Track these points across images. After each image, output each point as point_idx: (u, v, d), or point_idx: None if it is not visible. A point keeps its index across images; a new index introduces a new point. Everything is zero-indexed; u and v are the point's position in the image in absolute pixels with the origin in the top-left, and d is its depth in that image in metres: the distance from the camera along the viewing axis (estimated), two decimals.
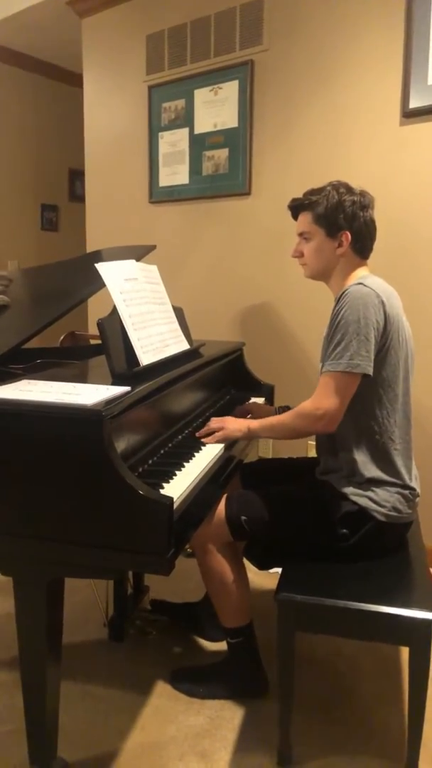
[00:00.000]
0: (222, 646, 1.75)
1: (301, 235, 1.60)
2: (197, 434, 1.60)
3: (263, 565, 1.60)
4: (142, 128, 3.07)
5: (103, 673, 1.74)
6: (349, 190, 1.53)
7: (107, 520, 1.10)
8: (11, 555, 1.22)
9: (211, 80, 2.77)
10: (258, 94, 2.65)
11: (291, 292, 2.64)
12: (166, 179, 3.01)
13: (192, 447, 1.52)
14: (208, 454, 1.49)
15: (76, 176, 4.58)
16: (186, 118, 2.89)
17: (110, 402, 1.15)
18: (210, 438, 1.58)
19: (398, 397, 1.47)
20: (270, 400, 2.29)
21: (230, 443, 1.62)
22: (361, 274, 1.54)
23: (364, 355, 1.37)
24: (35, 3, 3.33)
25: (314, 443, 1.66)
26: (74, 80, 4.25)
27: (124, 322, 1.49)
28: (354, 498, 1.45)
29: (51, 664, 1.26)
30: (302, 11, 2.48)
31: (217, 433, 1.58)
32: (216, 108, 2.78)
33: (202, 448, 1.53)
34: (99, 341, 1.52)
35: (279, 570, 1.47)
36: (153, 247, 2.28)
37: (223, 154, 2.78)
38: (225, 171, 2.78)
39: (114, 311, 1.49)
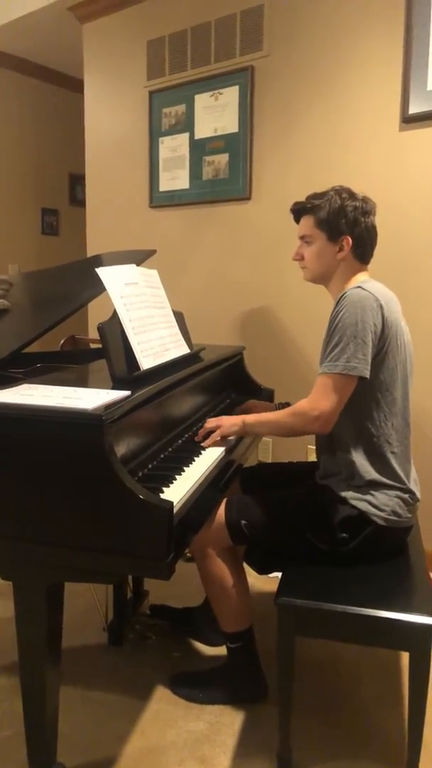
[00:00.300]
0: (222, 650, 1.75)
1: (302, 238, 1.60)
2: (196, 437, 1.61)
3: (263, 569, 1.60)
4: (142, 133, 3.09)
5: (102, 677, 1.73)
6: (352, 195, 1.54)
7: (107, 525, 1.10)
8: (11, 559, 1.21)
9: (212, 86, 2.78)
10: (258, 100, 2.67)
11: (291, 297, 2.65)
12: (166, 184, 3.02)
13: (192, 451, 1.52)
14: (208, 459, 1.49)
15: (77, 180, 4.60)
16: (186, 123, 2.90)
17: (110, 406, 1.15)
18: (208, 439, 1.58)
19: (396, 401, 1.47)
20: None
21: (230, 447, 1.62)
22: (361, 278, 1.55)
23: (361, 358, 1.38)
24: (36, 8, 3.35)
25: (314, 447, 1.66)
26: (75, 85, 4.26)
27: (124, 326, 1.49)
28: (354, 502, 1.45)
29: (50, 668, 1.26)
30: (302, 17, 2.50)
31: (214, 433, 1.59)
32: (216, 113, 2.79)
33: (202, 452, 1.53)
34: (99, 345, 1.52)
35: (279, 574, 1.47)
36: (153, 252, 2.29)
37: (223, 159, 2.79)
38: (225, 176, 2.79)
39: (114, 315, 1.50)
